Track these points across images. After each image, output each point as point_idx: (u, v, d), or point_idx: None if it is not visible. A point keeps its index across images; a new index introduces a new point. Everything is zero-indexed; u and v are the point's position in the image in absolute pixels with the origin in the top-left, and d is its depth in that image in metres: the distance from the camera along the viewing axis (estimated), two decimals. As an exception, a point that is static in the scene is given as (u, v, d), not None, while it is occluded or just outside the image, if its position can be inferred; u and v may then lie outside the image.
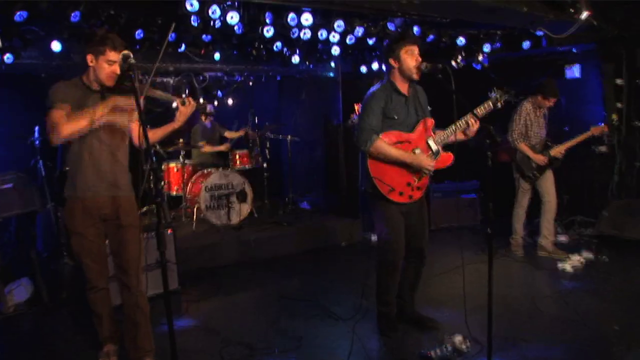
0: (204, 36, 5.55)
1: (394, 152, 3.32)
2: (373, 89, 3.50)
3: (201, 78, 7.09)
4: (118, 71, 2.86)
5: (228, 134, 7.20)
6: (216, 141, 7.12)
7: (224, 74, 7.21)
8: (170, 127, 3.18)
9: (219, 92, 7.89)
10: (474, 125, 3.37)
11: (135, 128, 3.14)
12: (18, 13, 4.36)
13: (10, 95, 6.22)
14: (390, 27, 5.65)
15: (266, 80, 7.77)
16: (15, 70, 5.44)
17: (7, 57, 5.06)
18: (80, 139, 2.88)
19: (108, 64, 2.85)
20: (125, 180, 3.07)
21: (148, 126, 3.09)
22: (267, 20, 5.24)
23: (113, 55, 2.84)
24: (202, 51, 6.00)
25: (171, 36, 5.37)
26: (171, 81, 7.01)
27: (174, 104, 3.06)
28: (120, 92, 2.92)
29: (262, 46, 6.01)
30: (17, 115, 6.10)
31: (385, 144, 3.32)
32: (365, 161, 3.38)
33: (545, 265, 5.01)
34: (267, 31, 5.37)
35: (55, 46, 5.18)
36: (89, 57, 2.87)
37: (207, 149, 6.79)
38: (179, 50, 5.79)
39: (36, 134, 5.44)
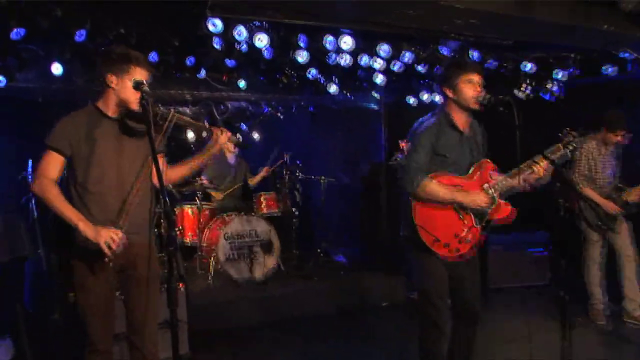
0: (227, 61, 5.71)
1: (445, 192, 3.33)
2: (424, 121, 3.52)
3: (222, 108, 7.21)
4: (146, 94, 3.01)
5: (252, 181, 7.24)
6: (239, 183, 7.19)
7: (249, 104, 7.35)
8: (197, 162, 3.24)
9: (243, 125, 8.01)
10: (542, 172, 3.35)
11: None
12: (15, 30, 4.52)
13: (1, 122, 6.35)
14: (444, 51, 5.72)
15: (297, 111, 7.90)
16: (8, 93, 5.62)
17: (0, 80, 5.23)
18: (88, 169, 2.94)
19: (134, 85, 2.89)
20: (146, 221, 3.10)
21: (166, 159, 3.23)
22: (301, 44, 5.37)
23: (140, 73, 2.93)
24: (225, 77, 6.17)
25: (189, 60, 5.57)
26: (187, 111, 7.16)
27: (204, 133, 3.16)
28: (140, 120, 2.99)
29: (293, 72, 6.14)
30: (7, 144, 6.24)
31: (435, 183, 3.34)
32: (409, 205, 3.40)
33: (635, 337, 4.86)
34: (300, 56, 5.49)
35: (56, 69, 5.38)
36: (110, 78, 2.93)
37: (218, 195, 6.88)
38: (198, 75, 5.97)
39: (29, 168, 5.57)
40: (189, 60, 5.59)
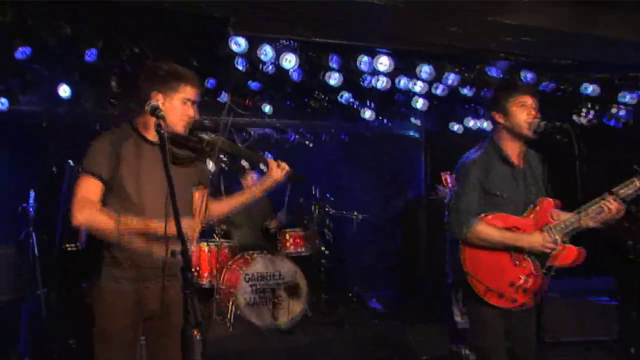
0: (251, 83, 5.79)
1: (500, 236, 3.32)
2: (470, 155, 3.50)
3: (244, 135, 7.26)
4: (193, 113, 3.00)
5: (272, 223, 7.20)
6: (260, 221, 7.19)
7: (274, 131, 7.40)
8: (245, 199, 3.31)
9: (267, 154, 8.01)
10: (612, 211, 3.29)
11: (196, 197, 3.16)
12: (20, 49, 4.63)
13: (2, 149, 6.39)
14: (492, 72, 5.70)
15: (328, 139, 7.92)
16: (10, 117, 5.72)
17: (1, 102, 5.35)
18: (128, 199, 2.93)
19: (183, 104, 2.96)
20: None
21: (207, 192, 3.26)
22: (333, 64, 5.41)
23: (190, 93, 2.97)
24: (248, 102, 6.22)
25: (209, 82, 5.64)
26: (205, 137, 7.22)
27: (261, 165, 3.26)
28: (184, 146, 3.03)
29: (324, 96, 6.19)
30: (7, 173, 6.30)
31: (488, 226, 3.33)
32: (457, 251, 3.38)
33: None
34: (332, 78, 5.53)
35: (63, 91, 5.49)
36: (157, 96, 2.93)
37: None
38: (219, 99, 6.02)
39: (31, 200, 5.61)
40: (209, 83, 5.66)
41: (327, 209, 7.27)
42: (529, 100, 3.38)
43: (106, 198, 2.94)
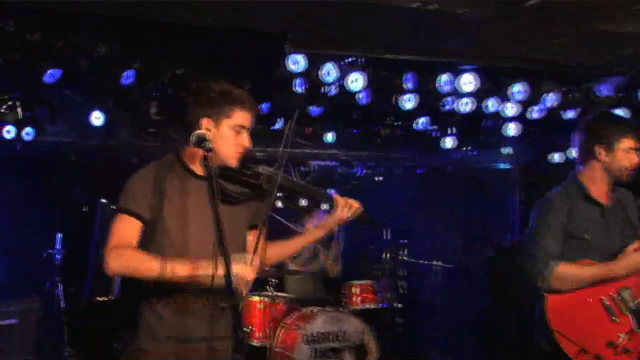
0: (311, 108, 5.82)
1: (591, 270, 3.34)
2: (551, 193, 3.54)
3: (304, 169, 7.31)
4: (248, 142, 2.99)
5: (333, 267, 7.17)
6: (317, 266, 7.14)
7: (339, 164, 7.41)
8: (306, 240, 3.35)
9: (330, 191, 8.02)
10: None
11: (252, 239, 3.13)
12: (49, 72, 4.74)
13: (26, 186, 6.52)
14: (601, 90, 5.55)
15: (401, 173, 7.91)
16: (36, 150, 5.85)
17: (27, 132, 5.48)
18: (170, 241, 2.95)
19: (236, 132, 2.95)
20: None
21: (262, 235, 3.24)
22: (407, 85, 5.38)
23: (245, 118, 2.95)
24: (308, 130, 6.24)
25: (263, 107, 5.69)
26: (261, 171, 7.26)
27: (323, 205, 3.24)
28: (235, 181, 3.04)
29: (397, 123, 6.16)
30: (32, 214, 6.41)
31: (571, 266, 3.34)
32: (541, 303, 3.38)
33: None
34: (406, 101, 5.49)
35: (96, 119, 5.59)
36: (205, 122, 2.93)
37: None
38: (273, 127, 6.06)
39: (57, 245, 5.73)
40: (264, 108, 5.71)
41: (400, 256, 7.16)
42: (636, 145, 3.43)
43: (145, 242, 2.94)
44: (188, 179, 2.98)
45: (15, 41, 4.49)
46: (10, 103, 5.43)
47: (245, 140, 2.96)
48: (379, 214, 7.82)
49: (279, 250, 3.36)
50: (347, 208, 3.24)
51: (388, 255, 7.13)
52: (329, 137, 6.46)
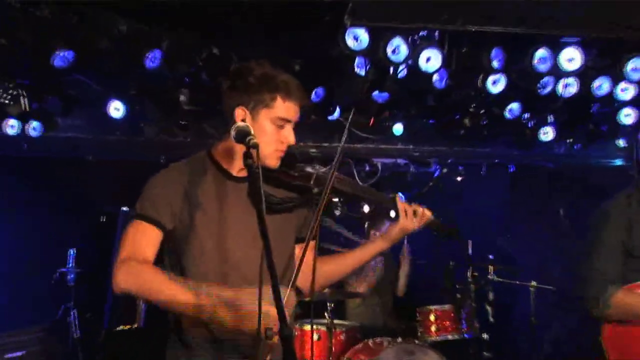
0: (376, 94, 5.85)
1: None
2: (608, 203, 3.59)
3: (368, 169, 7.36)
4: (292, 139, 3.02)
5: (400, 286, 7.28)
6: (390, 291, 7.23)
7: (410, 162, 7.46)
8: (367, 254, 3.42)
9: (401, 195, 7.99)
10: None
11: (298, 254, 3.21)
12: (59, 54, 4.78)
13: (32, 192, 6.56)
14: None
15: (489, 173, 7.90)
16: (44, 148, 5.95)
17: (33, 127, 5.53)
18: (200, 255, 2.99)
19: (277, 126, 2.98)
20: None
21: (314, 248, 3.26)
22: (494, 63, 5.34)
23: (289, 109, 2.98)
24: (372, 121, 6.25)
25: (317, 93, 5.70)
26: (311, 171, 7.26)
27: (392, 213, 3.34)
28: (281, 185, 3.09)
29: (482, 110, 6.13)
30: (40, 225, 6.49)
31: (632, 293, 3.40)
32: (599, 333, 3.49)
33: None
34: (494, 83, 5.47)
35: (116, 110, 5.67)
36: (240, 112, 2.97)
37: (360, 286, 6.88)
38: (330, 118, 6.13)
39: (70, 262, 5.84)
40: (316, 94, 5.77)
41: (488, 276, 7.11)
42: None
43: (169, 257, 3.02)
44: (222, 181, 3.04)
45: (21, 18, 4.54)
46: (13, 92, 5.45)
47: (288, 136, 2.98)
48: (461, 224, 7.78)
49: (335, 268, 3.39)
50: (413, 216, 3.29)
51: (472, 274, 7.09)
52: (399, 129, 6.48)
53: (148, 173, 3.15)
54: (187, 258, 2.96)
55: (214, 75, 5.13)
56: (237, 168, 3.03)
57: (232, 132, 2.63)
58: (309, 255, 3.00)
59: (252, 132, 2.59)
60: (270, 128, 2.94)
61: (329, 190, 2.94)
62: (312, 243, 3.03)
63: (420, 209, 3.32)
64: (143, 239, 2.91)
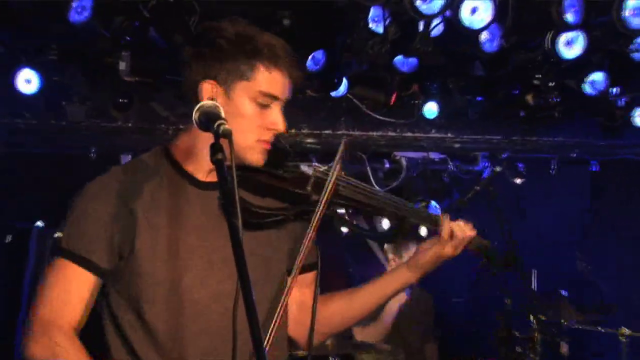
0: (398, 60, 5.84)
1: None
2: None
3: (387, 166, 7.41)
4: (282, 123, 2.99)
5: None
6: (421, 340, 7.29)
7: (448, 157, 7.52)
8: (389, 289, 3.41)
9: (436, 206, 7.97)
10: None
11: (295, 295, 3.18)
12: None
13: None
14: None
15: (560, 172, 7.88)
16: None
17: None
18: (154, 296, 2.97)
19: (260, 106, 2.96)
20: None
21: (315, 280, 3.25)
22: (568, 16, 5.33)
23: (274, 83, 2.96)
24: (393, 98, 6.25)
25: (313, 60, 5.68)
26: (308, 171, 7.27)
27: (422, 229, 3.28)
28: (264, 191, 3.05)
29: (551, 83, 6.13)
30: None
31: None
32: None
33: None
34: (567, 44, 5.47)
35: (26, 81, 5.59)
36: (208, 88, 2.97)
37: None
38: (334, 94, 6.14)
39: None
40: (314, 60, 5.73)
41: (561, 320, 7.17)
42: None
43: (112, 294, 2.99)
44: (184, 190, 3.01)
45: None
46: None
47: (275, 119, 2.94)
48: (521, 246, 7.87)
49: (342, 309, 3.38)
50: (454, 238, 3.26)
51: (538, 317, 7.11)
52: (431, 110, 6.44)
53: (73, 173, 3.14)
54: (131, 310, 2.95)
55: (167, 33, 5.11)
56: (204, 170, 3.00)
57: (195, 115, 2.57)
58: (304, 292, 3.06)
59: (223, 114, 2.55)
60: (251, 109, 2.91)
61: (328, 198, 2.92)
62: (307, 276, 3.09)
63: (464, 227, 3.29)
64: (70, 289, 2.90)
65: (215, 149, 2.41)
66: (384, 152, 7.25)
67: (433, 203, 8.06)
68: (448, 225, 3.26)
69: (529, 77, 6.17)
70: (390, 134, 6.61)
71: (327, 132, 6.51)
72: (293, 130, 6.39)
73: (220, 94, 2.92)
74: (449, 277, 7.60)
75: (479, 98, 6.43)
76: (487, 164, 7.65)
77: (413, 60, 5.83)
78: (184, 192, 3.00)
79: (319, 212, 2.90)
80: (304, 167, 3.10)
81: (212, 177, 2.80)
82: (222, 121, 2.49)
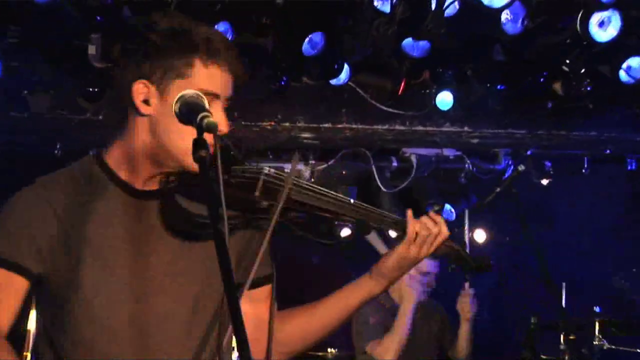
0: (408, 43, 5.81)
1: None
2: None
3: (395, 164, 7.40)
4: (225, 125, 3.00)
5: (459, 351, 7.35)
6: (439, 347, 7.32)
7: (464, 154, 7.49)
8: (356, 299, 3.41)
9: (449, 211, 8.03)
10: None
11: (248, 311, 3.12)
12: None
13: None
14: None
15: (593, 172, 7.86)
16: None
17: None
18: (85, 304, 2.99)
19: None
20: None
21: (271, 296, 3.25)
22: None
23: (214, 80, 2.98)
24: (401, 87, 6.26)
25: (310, 46, 5.66)
26: (306, 172, 7.23)
27: (391, 231, 3.39)
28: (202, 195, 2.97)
29: (583, 70, 6.12)
30: None
31: None
32: None
33: None
34: (600, 24, 5.45)
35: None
36: (140, 90, 2.99)
37: None
38: (335, 83, 6.09)
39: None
40: (312, 44, 5.70)
41: (594, 341, 7.17)
42: None
43: (44, 302, 3.07)
44: (121, 200, 3.06)
45: None
46: None
47: (217, 120, 2.81)
48: (550, 254, 7.89)
49: (305, 325, 3.41)
50: (420, 236, 3.29)
51: (568, 337, 7.10)
52: (446, 100, 6.40)
53: (34, 172, 3.12)
54: (65, 322, 2.99)
55: (144, 13, 5.11)
56: (142, 177, 3.04)
57: (175, 107, 2.68)
58: (259, 307, 3.12)
59: (207, 104, 2.65)
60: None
61: (282, 204, 2.90)
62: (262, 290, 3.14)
63: (428, 222, 3.32)
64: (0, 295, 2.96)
65: (198, 145, 2.46)
66: (392, 148, 7.24)
67: (447, 207, 8.07)
68: (413, 225, 3.30)
69: (557, 63, 6.14)
70: (399, 127, 6.57)
71: (326, 125, 6.47)
72: (287, 124, 6.36)
73: (154, 94, 2.95)
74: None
75: (499, 86, 6.39)
76: (509, 162, 7.64)
77: (424, 44, 5.80)
78: (118, 202, 3.04)
79: (273, 221, 2.92)
80: (251, 169, 3.10)
81: (151, 185, 2.95)
82: (206, 113, 2.54)
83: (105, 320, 2.97)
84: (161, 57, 2.93)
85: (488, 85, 6.41)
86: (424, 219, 3.33)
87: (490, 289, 7.75)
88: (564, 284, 7.27)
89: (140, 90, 2.93)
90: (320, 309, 3.41)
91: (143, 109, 2.96)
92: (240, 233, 3.13)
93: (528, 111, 6.60)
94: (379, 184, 7.37)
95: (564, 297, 7.24)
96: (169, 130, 2.89)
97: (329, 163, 7.52)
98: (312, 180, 7.33)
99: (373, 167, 7.32)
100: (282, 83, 6.08)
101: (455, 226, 7.84)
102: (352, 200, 3.25)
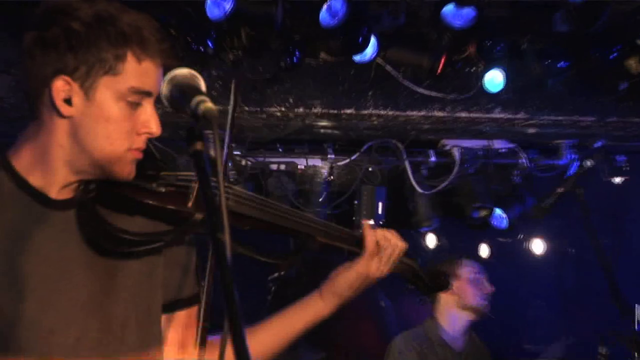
0: (448, 10, 5.74)
1: None
2: None
3: (433, 159, 7.30)
4: (157, 128, 3.09)
5: None
6: None
7: (518, 147, 7.45)
8: (304, 319, 3.52)
9: (501, 213, 8.01)
10: None
11: (178, 325, 3.30)
12: None
13: None
14: None
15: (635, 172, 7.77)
16: None
17: None
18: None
19: (129, 104, 3.03)
20: None
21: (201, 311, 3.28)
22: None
23: (147, 76, 3.04)
24: (441, 65, 6.19)
25: (330, 11, 5.64)
26: (324, 168, 7.24)
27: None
28: (136, 209, 3.06)
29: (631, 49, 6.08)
30: None
31: None
32: None
33: None
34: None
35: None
36: (60, 87, 3.01)
37: None
38: (356, 59, 6.06)
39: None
40: (330, 11, 5.65)
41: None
42: None
43: None
44: (29, 209, 3.08)
45: None
46: None
47: (149, 121, 3.02)
48: (621, 274, 7.90)
49: (252, 346, 3.38)
50: (383, 250, 3.37)
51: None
52: (495, 80, 6.38)
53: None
54: None
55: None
56: (57, 184, 3.06)
57: (164, 89, 2.77)
58: (177, 332, 3.27)
59: (204, 86, 2.69)
60: (118, 110, 2.99)
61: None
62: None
63: (389, 235, 3.41)
64: None
65: (193, 135, 2.47)
66: (429, 139, 7.22)
67: (497, 211, 8.03)
68: (373, 236, 3.37)
69: (631, 35, 6.12)
70: (438, 114, 6.55)
71: (348, 111, 6.46)
72: (301, 110, 6.33)
73: (77, 93, 2.96)
74: (519, 316, 7.62)
75: (562, 64, 6.35)
76: (574, 156, 7.62)
77: (469, 11, 5.77)
78: (29, 214, 3.06)
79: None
80: (181, 177, 3.15)
81: (67, 193, 2.97)
82: (203, 97, 2.55)
83: (14, 341, 3.00)
84: (85, 49, 2.95)
85: (547, 62, 6.37)
86: (378, 229, 3.41)
87: (551, 311, 7.77)
88: (638, 307, 7.27)
89: (61, 87, 2.95)
90: (266, 330, 3.57)
91: (64, 109, 2.97)
92: (172, 249, 3.24)
93: (596, 94, 6.57)
94: (414, 183, 7.35)
95: (637, 321, 7.25)
96: (95, 134, 2.95)
97: (352, 158, 7.52)
98: (332, 178, 7.34)
99: (406, 162, 7.31)
100: (295, 60, 6.07)
101: (507, 236, 7.86)
102: (304, 214, 3.35)
